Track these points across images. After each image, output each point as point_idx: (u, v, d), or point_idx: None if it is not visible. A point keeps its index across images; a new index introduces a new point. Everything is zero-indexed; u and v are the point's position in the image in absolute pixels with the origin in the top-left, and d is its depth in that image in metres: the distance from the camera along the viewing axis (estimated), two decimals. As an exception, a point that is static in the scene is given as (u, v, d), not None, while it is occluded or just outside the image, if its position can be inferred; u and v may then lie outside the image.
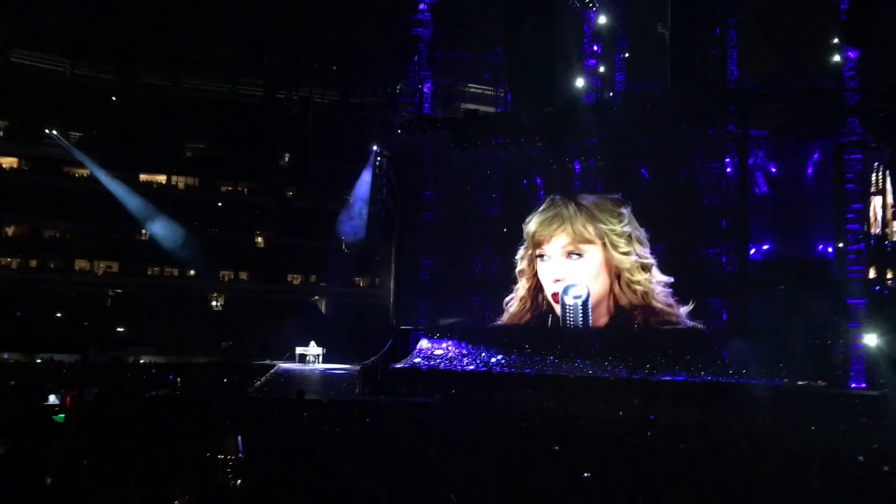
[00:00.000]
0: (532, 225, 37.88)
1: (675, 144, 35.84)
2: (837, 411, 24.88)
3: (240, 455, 11.30)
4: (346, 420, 17.58)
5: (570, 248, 36.57)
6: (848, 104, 31.06)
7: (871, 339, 29.63)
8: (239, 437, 11.93)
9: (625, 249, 35.53)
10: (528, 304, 38.14)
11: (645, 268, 35.28)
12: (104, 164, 51.18)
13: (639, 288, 35.26)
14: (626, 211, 35.69)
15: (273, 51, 54.12)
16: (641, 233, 35.46)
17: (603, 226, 35.95)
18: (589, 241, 36.23)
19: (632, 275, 35.37)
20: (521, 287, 38.42)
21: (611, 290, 35.88)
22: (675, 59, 33.88)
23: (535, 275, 37.87)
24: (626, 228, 35.56)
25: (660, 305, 34.91)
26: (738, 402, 26.16)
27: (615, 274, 35.73)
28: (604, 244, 35.91)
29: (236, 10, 51.66)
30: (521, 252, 38.51)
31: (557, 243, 36.93)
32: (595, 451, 12.30)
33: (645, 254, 35.37)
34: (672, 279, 34.80)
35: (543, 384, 31.42)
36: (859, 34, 30.44)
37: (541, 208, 37.93)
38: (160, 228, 50.92)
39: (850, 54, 31.07)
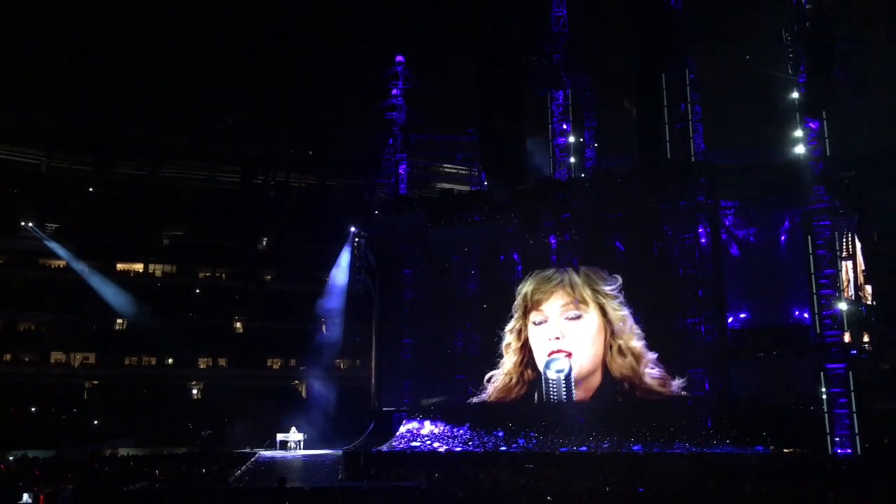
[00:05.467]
0: (528, 286, 37.86)
1: (648, 217, 36.35)
2: (824, 479, 24.81)
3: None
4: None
5: (570, 307, 36.48)
6: (812, 173, 31.79)
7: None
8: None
9: (621, 311, 35.44)
10: (514, 380, 37.85)
11: (638, 336, 35.16)
12: (80, 254, 51.10)
13: (630, 360, 34.97)
14: (619, 277, 35.92)
15: (249, 137, 55.00)
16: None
17: (600, 287, 36.08)
18: (586, 303, 36.23)
19: (626, 342, 35.16)
20: (508, 362, 38.18)
21: (604, 358, 35.63)
22: (643, 135, 34.76)
23: (523, 347, 37.66)
24: (620, 293, 35.68)
25: (651, 379, 34.58)
26: (726, 473, 25.97)
27: (608, 342, 35.59)
28: (601, 308, 35.93)
29: (211, 99, 52.67)
30: (510, 324, 38.31)
31: (556, 303, 36.85)
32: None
33: (635, 326, 35.36)
34: (657, 354, 34.70)
35: (529, 462, 31.01)
36: (817, 105, 31.42)
37: (535, 274, 38.02)
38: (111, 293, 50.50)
39: (812, 124, 31.97)
